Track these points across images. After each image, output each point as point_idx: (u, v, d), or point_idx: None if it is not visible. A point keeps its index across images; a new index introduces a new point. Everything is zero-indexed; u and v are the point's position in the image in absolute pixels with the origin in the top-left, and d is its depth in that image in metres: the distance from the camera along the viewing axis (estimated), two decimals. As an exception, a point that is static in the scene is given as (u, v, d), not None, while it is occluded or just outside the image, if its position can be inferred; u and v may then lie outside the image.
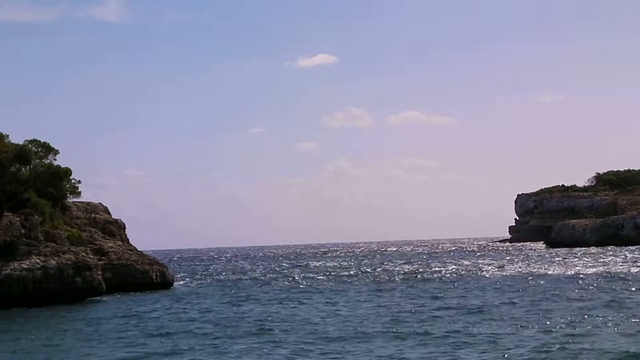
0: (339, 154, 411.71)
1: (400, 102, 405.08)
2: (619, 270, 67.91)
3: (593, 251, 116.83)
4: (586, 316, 34.63)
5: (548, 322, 32.73)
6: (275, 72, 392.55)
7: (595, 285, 52.70)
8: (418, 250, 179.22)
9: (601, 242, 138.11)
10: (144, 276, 61.04)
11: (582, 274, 65.12)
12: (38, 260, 49.14)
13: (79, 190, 62.16)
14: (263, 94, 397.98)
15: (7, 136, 58.58)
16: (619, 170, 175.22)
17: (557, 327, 31.00)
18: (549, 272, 68.81)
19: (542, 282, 57.28)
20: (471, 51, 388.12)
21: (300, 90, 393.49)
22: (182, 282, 70.94)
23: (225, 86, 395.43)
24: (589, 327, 30.81)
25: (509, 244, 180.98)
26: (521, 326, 31.80)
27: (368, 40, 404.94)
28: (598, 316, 34.38)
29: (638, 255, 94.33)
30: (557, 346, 26.18)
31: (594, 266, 76.30)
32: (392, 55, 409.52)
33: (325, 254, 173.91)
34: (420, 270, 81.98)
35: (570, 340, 27.38)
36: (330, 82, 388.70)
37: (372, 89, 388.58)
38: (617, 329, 30.08)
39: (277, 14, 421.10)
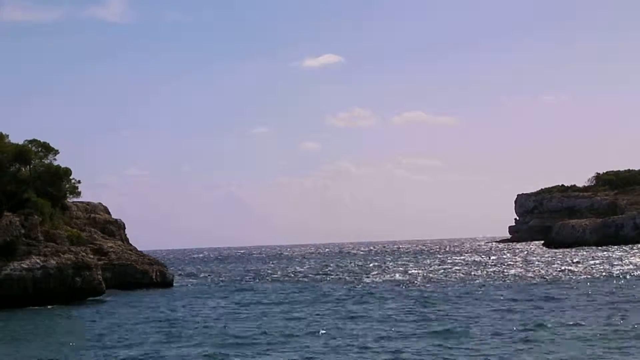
0: (341, 154, 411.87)
1: (404, 102, 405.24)
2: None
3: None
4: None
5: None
6: (280, 72, 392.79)
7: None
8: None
9: (601, 242, 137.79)
10: (143, 276, 61.04)
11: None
12: (38, 260, 49.05)
13: (79, 190, 62.23)
14: (268, 94, 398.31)
15: (7, 136, 58.60)
16: (619, 170, 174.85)
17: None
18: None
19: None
20: (474, 52, 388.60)
21: (306, 91, 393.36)
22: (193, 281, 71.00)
23: (229, 86, 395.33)
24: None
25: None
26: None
27: (374, 41, 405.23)
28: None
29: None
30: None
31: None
32: (397, 55, 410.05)
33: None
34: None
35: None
36: (336, 82, 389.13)
37: (377, 89, 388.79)
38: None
39: (283, 14, 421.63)
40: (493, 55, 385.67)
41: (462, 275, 70.02)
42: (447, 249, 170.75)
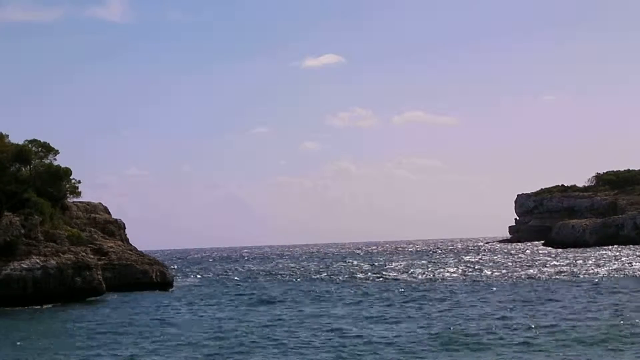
0: (342, 154, 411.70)
1: (404, 102, 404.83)
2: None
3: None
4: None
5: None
6: (280, 72, 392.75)
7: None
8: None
9: (601, 242, 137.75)
10: (144, 276, 60.99)
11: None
12: (38, 260, 49.06)
13: (79, 190, 62.30)
14: (268, 94, 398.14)
15: (7, 136, 58.66)
16: (619, 170, 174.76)
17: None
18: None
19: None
20: (475, 52, 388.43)
21: (306, 91, 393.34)
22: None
23: (229, 86, 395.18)
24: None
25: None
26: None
27: (374, 41, 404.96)
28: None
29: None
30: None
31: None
32: (398, 55, 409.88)
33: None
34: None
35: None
36: (336, 82, 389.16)
37: (377, 89, 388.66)
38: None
39: (283, 14, 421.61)
40: (493, 55, 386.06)
41: (461, 275, 70.06)
42: (447, 249, 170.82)
